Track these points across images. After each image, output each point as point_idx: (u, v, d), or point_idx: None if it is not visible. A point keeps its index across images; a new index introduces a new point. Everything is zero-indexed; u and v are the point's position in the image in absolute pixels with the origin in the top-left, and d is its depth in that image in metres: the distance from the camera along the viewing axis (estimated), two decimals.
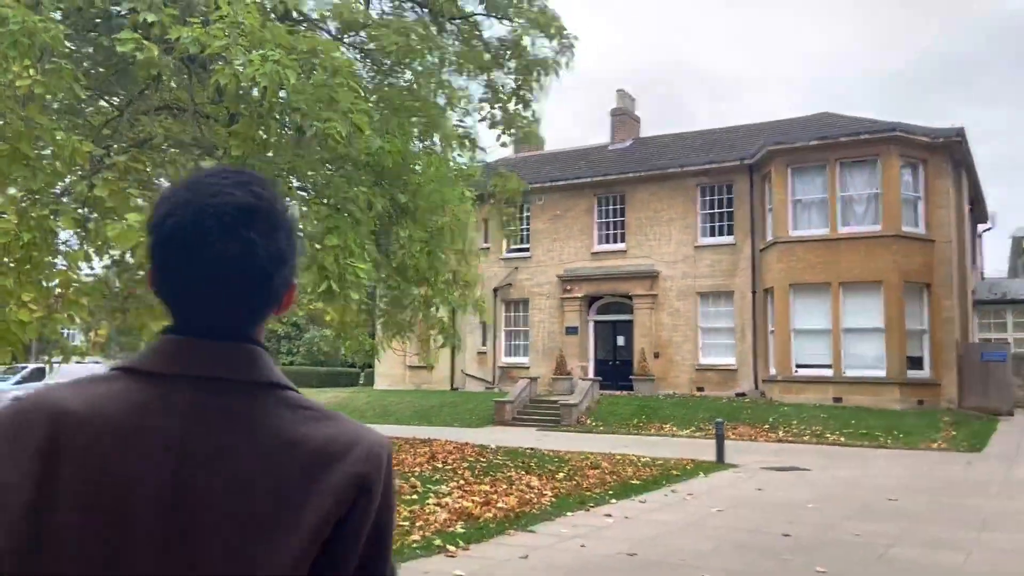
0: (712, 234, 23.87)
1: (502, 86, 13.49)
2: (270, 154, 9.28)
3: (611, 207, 25.54)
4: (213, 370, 0.97)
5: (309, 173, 11.44)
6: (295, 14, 12.29)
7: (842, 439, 17.19)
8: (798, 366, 21.24)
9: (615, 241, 25.34)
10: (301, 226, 10.11)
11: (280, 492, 0.93)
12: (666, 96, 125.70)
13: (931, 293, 20.67)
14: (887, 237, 20.33)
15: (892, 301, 20.15)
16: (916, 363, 20.47)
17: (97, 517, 0.90)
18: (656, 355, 24.01)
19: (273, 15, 10.27)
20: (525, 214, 25.58)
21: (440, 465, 12.36)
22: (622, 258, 24.93)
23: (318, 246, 9.35)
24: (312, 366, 42.81)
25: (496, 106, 12.57)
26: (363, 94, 9.82)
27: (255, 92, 8.99)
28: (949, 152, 20.79)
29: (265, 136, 8.95)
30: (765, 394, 21.97)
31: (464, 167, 14.02)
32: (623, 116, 28.69)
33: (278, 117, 9.06)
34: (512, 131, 12.44)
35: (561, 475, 11.13)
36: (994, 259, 61.62)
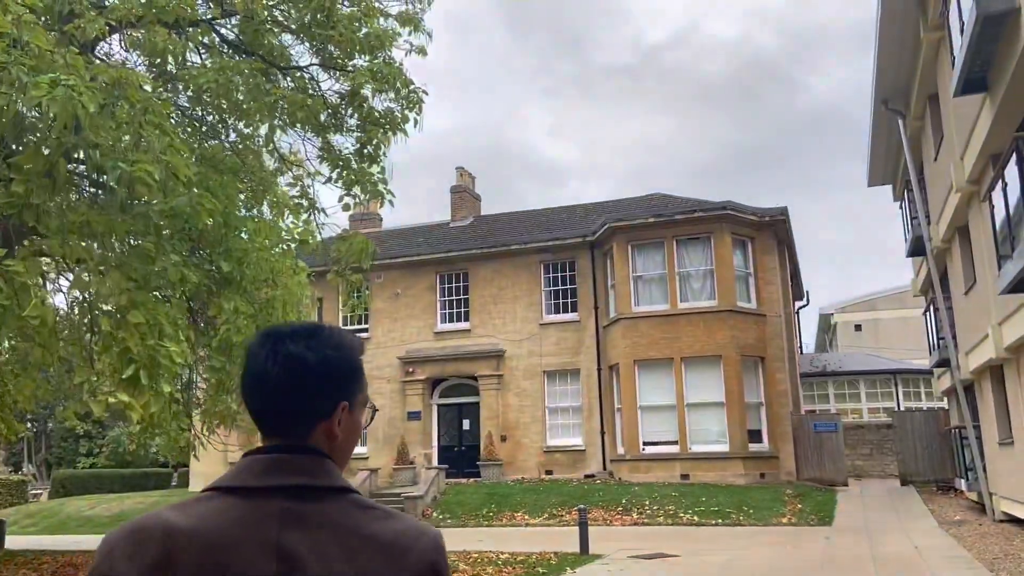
0: (557, 311, 23.52)
1: (340, 150, 12.33)
2: (55, 202, 7.50)
3: (454, 285, 24.66)
4: (303, 480, 1.15)
5: (110, 237, 9.58)
6: (96, 54, 10.62)
7: (695, 518, 16.77)
8: (645, 444, 20.93)
9: (459, 320, 24.37)
10: (94, 296, 8.25)
11: None
12: (495, 181, 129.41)
13: (765, 366, 21.23)
14: (723, 312, 20.78)
15: (731, 375, 20.45)
16: (755, 436, 20.76)
17: None
18: (503, 438, 22.95)
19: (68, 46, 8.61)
20: (363, 291, 24.11)
21: None
22: (466, 337, 23.96)
23: (115, 327, 7.54)
24: (117, 467, 37.88)
25: (338, 166, 11.32)
26: (179, 142, 8.29)
27: (39, 124, 7.30)
28: (774, 230, 21.84)
29: (53, 179, 7.19)
30: (614, 474, 21.42)
31: (297, 235, 12.57)
32: (463, 193, 28.26)
33: (72, 157, 7.35)
34: (356, 192, 11.21)
35: None
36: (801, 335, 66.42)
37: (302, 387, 1.21)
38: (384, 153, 11.84)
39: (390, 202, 11.87)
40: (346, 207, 11.64)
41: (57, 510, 24.24)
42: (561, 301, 23.55)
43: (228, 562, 1.06)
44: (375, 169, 11.15)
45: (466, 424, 23.90)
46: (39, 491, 34.19)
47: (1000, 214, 9.53)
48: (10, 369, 12.47)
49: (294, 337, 1.24)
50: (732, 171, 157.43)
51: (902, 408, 25.07)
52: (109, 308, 8.11)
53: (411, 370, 23.99)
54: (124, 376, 6.88)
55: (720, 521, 16.33)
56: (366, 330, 24.79)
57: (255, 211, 12.27)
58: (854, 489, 20.08)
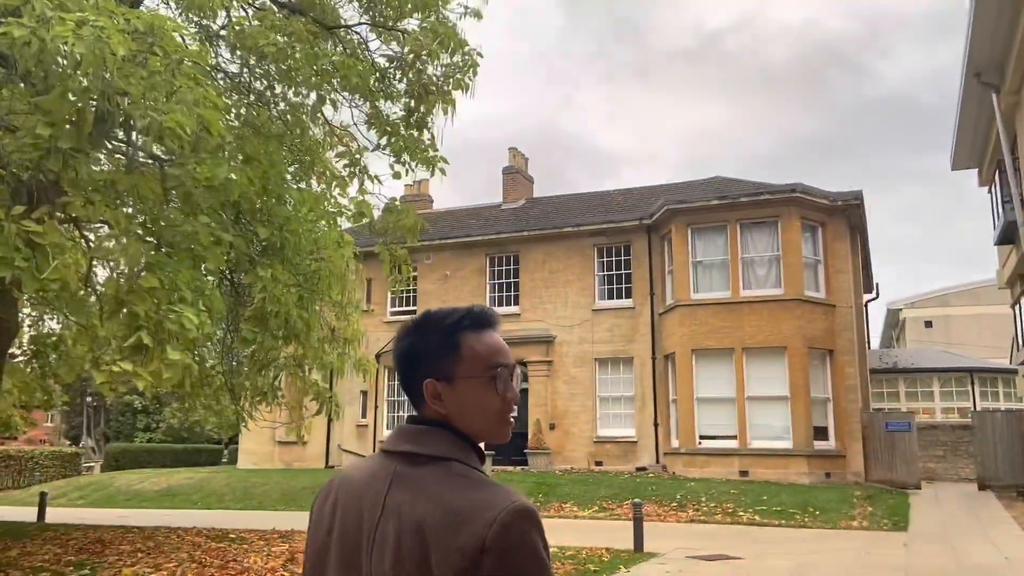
0: (610, 296, 22.60)
1: (388, 115, 11.67)
2: (80, 152, 6.97)
3: (504, 267, 23.94)
4: (408, 447, 1.41)
5: (135, 197, 9.05)
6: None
7: (756, 518, 15.75)
8: (702, 437, 19.93)
9: (508, 304, 23.64)
10: (112, 261, 7.68)
11: (427, 541, 1.27)
12: (546, 168, 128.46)
13: (834, 360, 20.00)
14: (790, 301, 19.60)
15: (797, 368, 19.29)
16: (821, 433, 19.57)
17: (341, 539, 1.40)
18: (552, 427, 22.19)
19: None
20: (412, 274, 23.60)
21: (300, 571, 9.82)
22: (516, 322, 23.20)
23: (125, 291, 6.95)
24: (173, 443, 38.37)
25: (386, 132, 10.66)
26: (214, 95, 7.68)
27: (67, 70, 6.76)
28: (846, 216, 20.52)
29: (79, 127, 6.67)
30: (667, 468, 20.49)
31: (353, 207, 11.86)
32: (516, 175, 27.49)
33: (96, 102, 6.80)
34: (406, 158, 10.52)
35: None
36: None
37: (400, 373, 1.51)
38: (434, 121, 11.14)
39: (441, 171, 11.15)
40: (396, 175, 10.98)
41: (107, 483, 24.37)
42: (615, 286, 22.63)
43: (357, 502, 1.40)
44: (424, 136, 10.46)
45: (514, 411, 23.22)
46: (92, 464, 34.75)
47: None
48: (50, 342, 12.19)
49: (401, 331, 1.52)
50: (793, 161, 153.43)
51: (978, 408, 23.50)
52: (124, 270, 7.57)
53: None
54: (127, 343, 6.29)
55: (783, 522, 15.30)
56: (413, 312, 24.25)
57: (303, 184, 11.73)
58: (927, 492, 18.78)
